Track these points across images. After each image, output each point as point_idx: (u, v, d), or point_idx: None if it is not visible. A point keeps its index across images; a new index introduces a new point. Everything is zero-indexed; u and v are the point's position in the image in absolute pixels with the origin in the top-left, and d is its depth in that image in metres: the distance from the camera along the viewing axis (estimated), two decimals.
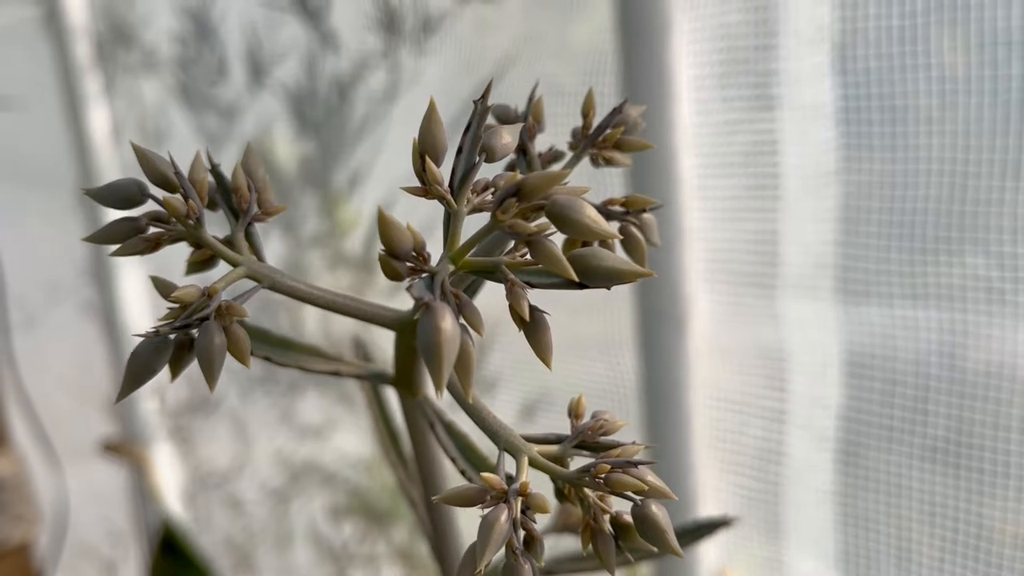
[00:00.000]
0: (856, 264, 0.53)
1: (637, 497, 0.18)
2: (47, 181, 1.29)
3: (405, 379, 0.26)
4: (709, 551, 0.63)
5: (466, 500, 0.18)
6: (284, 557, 1.05)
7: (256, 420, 1.02)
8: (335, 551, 0.97)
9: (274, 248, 0.94)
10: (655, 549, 0.18)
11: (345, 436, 0.93)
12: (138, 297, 1.16)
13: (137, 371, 0.21)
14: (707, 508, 0.62)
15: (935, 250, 0.50)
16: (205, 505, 1.13)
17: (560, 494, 0.20)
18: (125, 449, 1.09)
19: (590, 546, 0.19)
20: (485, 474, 0.18)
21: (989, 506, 0.51)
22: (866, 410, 0.55)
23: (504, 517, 0.17)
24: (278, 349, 0.25)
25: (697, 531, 0.23)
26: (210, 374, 0.20)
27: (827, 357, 0.56)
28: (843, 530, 0.58)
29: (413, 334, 0.22)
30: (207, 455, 1.12)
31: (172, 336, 0.21)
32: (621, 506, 0.20)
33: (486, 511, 0.18)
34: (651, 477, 0.18)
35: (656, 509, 0.18)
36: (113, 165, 1.13)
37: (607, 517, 0.18)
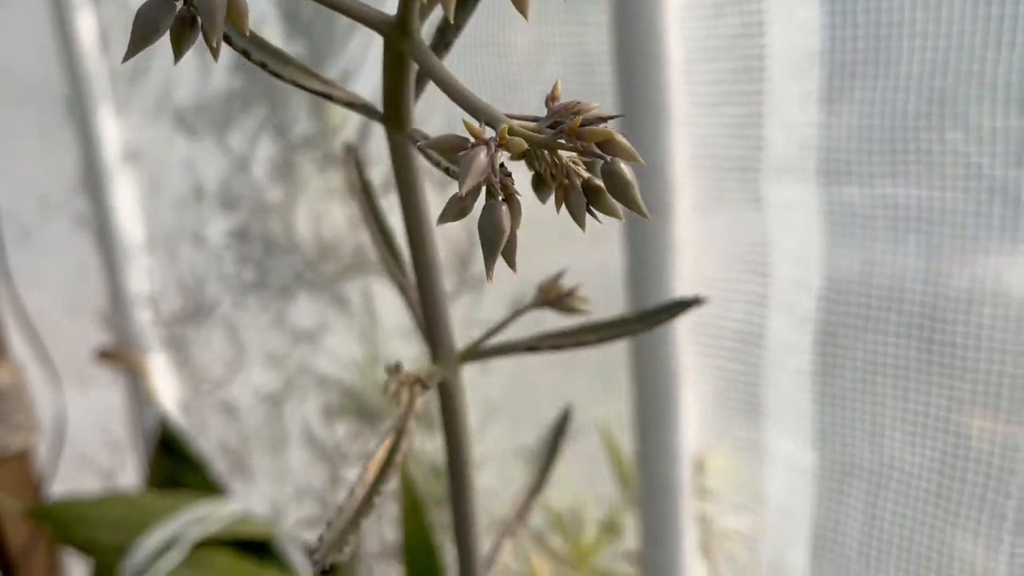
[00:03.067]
0: (839, 145, 0.54)
1: (607, 156, 0.19)
2: (35, 94, 1.28)
3: (393, 108, 0.26)
4: (689, 436, 0.65)
5: (449, 146, 0.19)
6: (278, 460, 1.08)
7: (249, 326, 1.04)
8: (328, 451, 0.99)
9: (266, 150, 0.94)
10: (620, 214, 0.20)
11: (337, 338, 0.94)
12: (131, 208, 1.17)
13: (143, 31, 0.21)
14: (688, 390, 0.64)
15: (915, 127, 0.51)
16: (199, 412, 1.15)
17: (538, 180, 0.21)
18: (121, 355, 1.11)
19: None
20: (467, 121, 0.19)
21: (960, 379, 0.52)
22: (845, 291, 0.56)
23: (484, 155, 0.19)
24: (276, 59, 0.25)
25: (673, 309, 0.24)
26: (212, 28, 0.20)
27: (809, 240, 0.57)
28: (820, 410, 0.60)
29: (401, 38, 0.22)
30: (201, 363, 1.13)
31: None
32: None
33: (466, 154, 0.19)
34: (619, 137, 0.19)
35: (623, 166, 0.19)
36: (101, 73, 1.12)
37: (579, 180, 0.20)
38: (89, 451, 1.45)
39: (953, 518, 0.55)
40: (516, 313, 0.31)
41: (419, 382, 0.23)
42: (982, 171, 0.49)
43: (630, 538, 0.74)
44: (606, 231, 0.67)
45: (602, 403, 0.74)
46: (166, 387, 1.18)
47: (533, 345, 0.24)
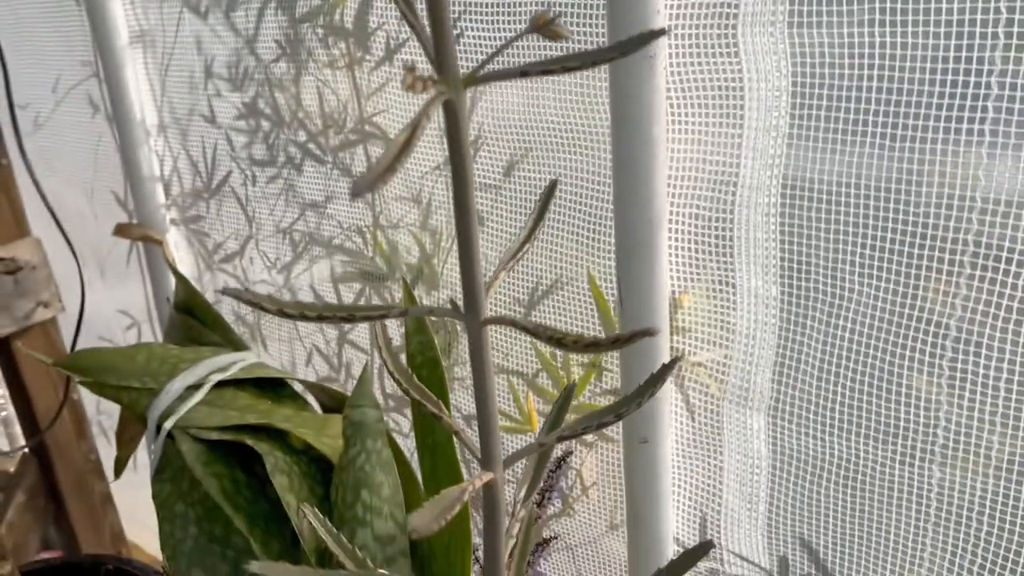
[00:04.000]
0: None
1: None
2: None
3: None
4: (666, 277, 0.71)
5: None
6: (289, 327, 1.14)
7: (259, 199, 1.09)
8: None
9: (271, 26, 0.97)
10: None
11: (343, 207, 1.00)
12: (142, 91, 1.20)
13: None
14: (665, 232, 0.69)
15: None
16: (212, 284, 1.22)
17: None
18: (138, 230, 1.17)
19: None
20: None
21: (916, 194, 0.57)
22: (810, 127, 0.61)
23: None
24: None
25: (644, 38, 0.27)
26: None
27: (780, 84, 0.62)
28: (785, 247, 0.65)
29: None
30: (213, 238, 1.19)
31: None
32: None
33: None
34: None
35: None
36: None
37: None
38: (107, 333, 1.53)
39: (903, 344, 0.61)
40: (511, 40, 0.35)
41: (431, 80, 0.27)
42: (941, 15, 0.53)
43: (611, 378, 0.80)
44: (598, 86, 0.71)
45: (590, 257, 0.79)
46: (181, 263, 1.24)
47: (525, 71, 0.28)
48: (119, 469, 1.02)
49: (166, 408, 0.85)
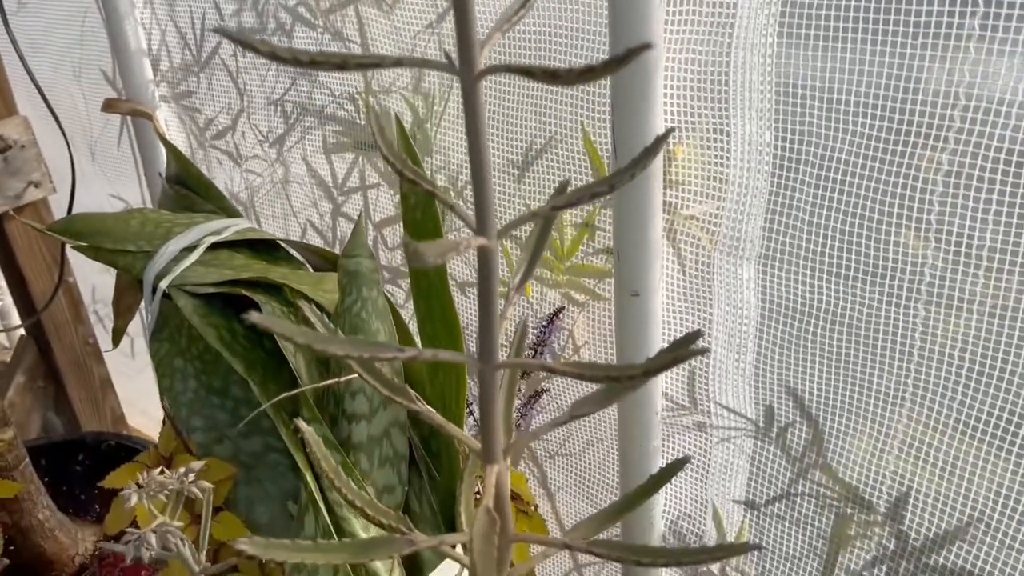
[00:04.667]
0: None
1: None
2: None
3: None
4: (661, 127, 0.71)
5: None
6: (282, 202, 1.14)
7: (248, 70, 1.07)
8: (330, 188, 1.05)
9: None
10: None
11: (334, 74, 0.98)
12: None
13: None
14: (660, 80, 0.68)
15: None
16: (205, 163, 1.21)
17: None
18: (126, 104, 1.15)
19: None
20: None
21: (913, 38, 0.57)
22: None
23: None
24: None
25: None
26: None
27: None
28: (780, 89, 0.65)
29: None
30: (204, 113, 1.17)
31: None
32: None
33: None
34: None
35: None
36: None
37: None
38: (98, 203, 1.52)
39: (891, 194, 0.61)
40: None
41: None
42: None
43: (603, 237, 0.81)
44: None
45: (584, 113, 0.79)
46: (172, 142, 1.23)
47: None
48: (117, 338, 1.04)
49: (161, 269, 0.85)
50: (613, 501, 0.45)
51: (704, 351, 0.31)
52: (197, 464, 0.47)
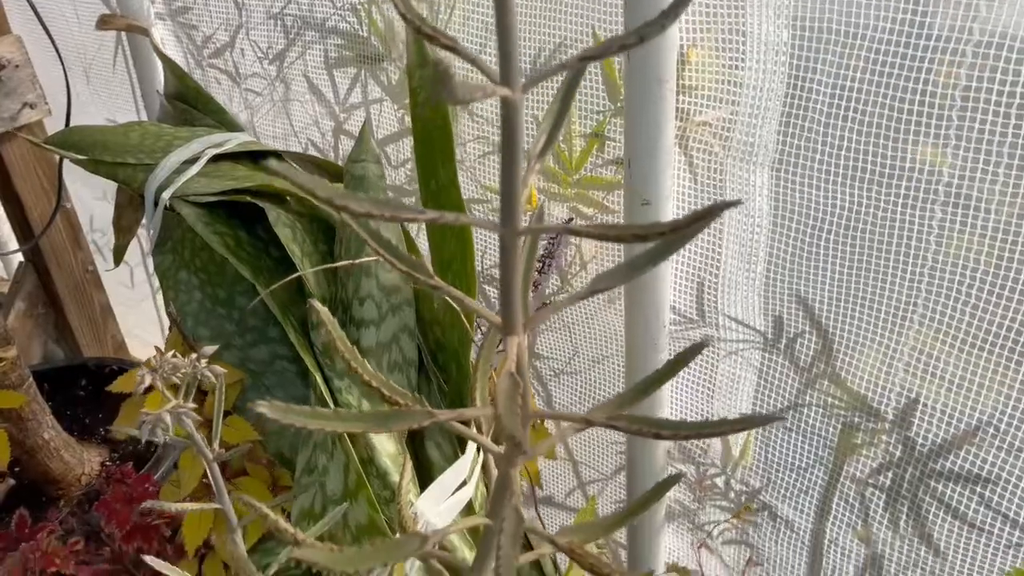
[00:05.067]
0: None
1: None
2: None
3: None
4: (673, 28, 0.69)
5: None
6: (283, 120, 1.12)
7: None
8: (331, 105, 1.03)
9: None
10: None
11: None
12: None
13: None
14: None
15: None
16: (203, 82, 1.18)
17: None
18: (121, 20, 1.12)
19: None
20: None
21: None
22: None
23: None
24: None
25: None
26: None
27: None
28: None
29: None
30: (201, 31, 1.15)
31: None
32: None
33: None
34: None
35: None
36: None
37: None
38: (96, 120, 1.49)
39: (911, 90, 0.60)
40: None
41: None
42: None
43: (613, 148, 0.80)
44: None
45: (596, 16, 0.77)
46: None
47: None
48: (118, 257, 1.03)
49: (163, 181, 0.84)
50: (622, 392, 0.45)
51: (735, 203, 0.30)
52: (211, 348, 0.46)
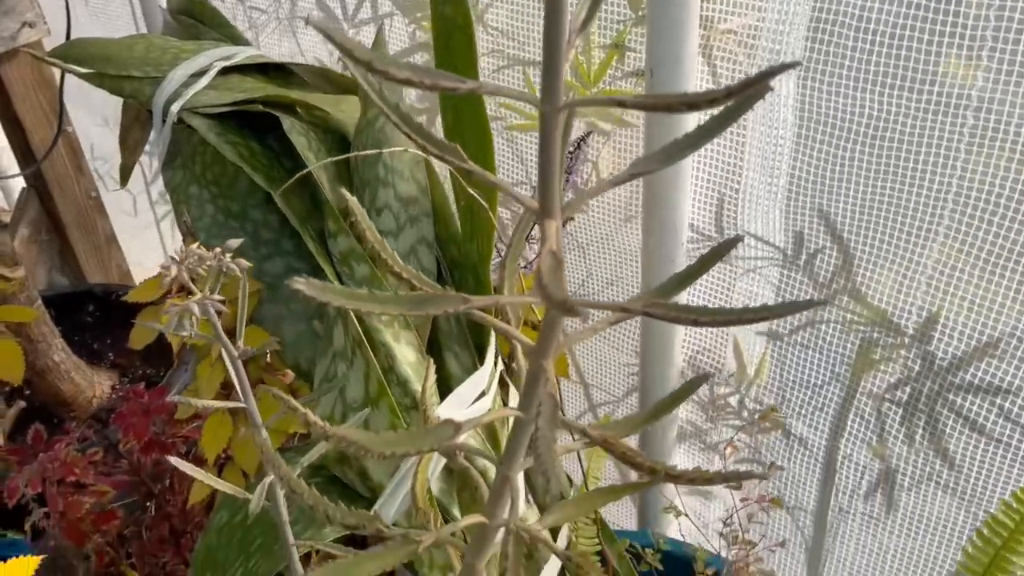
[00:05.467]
0: None
1: None
2: None
3: None
4: None
5: None
6: (289, 43, 1.09)
7: None
8: (340, 21, 1.01)
9: None
10: None
11: None
12: None
13: None
14: None
15: None
16: None
17: None
18: None
19: None
20: None
21: None
22: None
23: None
24: None
25: None
26: None
27: None
28: None
29: None
30: None
31: None
32: None
33: None
34: None
35: None
36: None
37: None
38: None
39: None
40: None
41: None
42: None
43: (634, 59, 0.78)
44: None
45: None
46: None
47: None
48: (125, 176, 1.01)
49: (171, 95, 0.82)
50: (642, 292, 0.44)
51: (792, 65, 0.29)
52: (235, 241, 0.45)
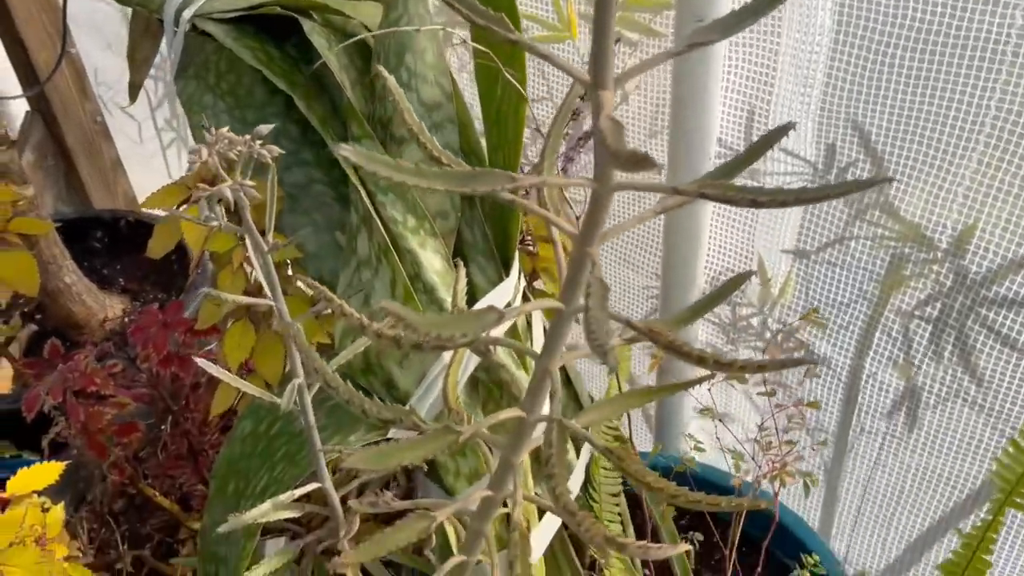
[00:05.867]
0: None
1: None
2: None
3: None
4: None
5: None
6: None
7: None
8: None
9: None
10: None
11: None
12: None
13: None
14: None
15: None
16: None
17: None
18: None
19: None
20: None
21: None
22: None
23: None
24: None
25: None
26: None
27: None
28: None
29: None
30: None
31: None
32: None
33: None
34: None
35: None
36: None
37: None
38: None
39: None
40: None
41: None
42: None
43: None
44: None
45: None
46: None
47: None
48: (134, 93, 0.99)
49: (182, 1, 0.79)
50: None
51: None
52: (266, 128, 0.44)
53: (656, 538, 0.80)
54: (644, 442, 1.05)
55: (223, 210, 0.45)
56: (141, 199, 1.60)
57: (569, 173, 0.86)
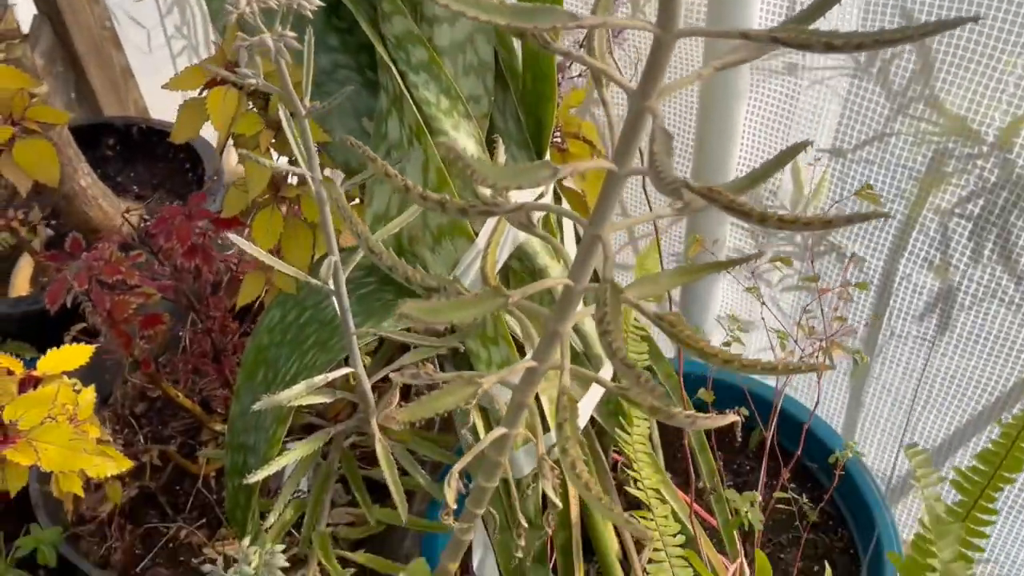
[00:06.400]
0: None
1: None
2: None
3: None
4: None
5: None
6: None
7: None
8: None
9: None
10: None
11: None
12: None
13: None
14: None
15: None
16: None
17: None
18: None
19: None
20: None
21: None
22: None
23: None
24: None
25: None
26: None
27: None
28: None
29: None
30: None
31: None
32: None
33: None
34: None
35: None
36: None
37: None
38: None
39: None
40: None
41: None
42: None
43: None
44: None
45: None
46: None
47: None
48: None
49: None
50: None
51: None
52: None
53: (688, 447, 0.80)
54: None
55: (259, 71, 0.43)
56: (152, 110, 1.57)
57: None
